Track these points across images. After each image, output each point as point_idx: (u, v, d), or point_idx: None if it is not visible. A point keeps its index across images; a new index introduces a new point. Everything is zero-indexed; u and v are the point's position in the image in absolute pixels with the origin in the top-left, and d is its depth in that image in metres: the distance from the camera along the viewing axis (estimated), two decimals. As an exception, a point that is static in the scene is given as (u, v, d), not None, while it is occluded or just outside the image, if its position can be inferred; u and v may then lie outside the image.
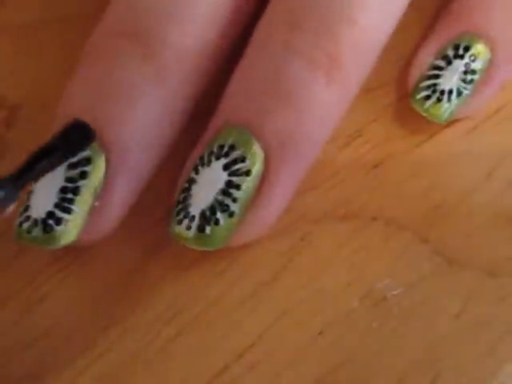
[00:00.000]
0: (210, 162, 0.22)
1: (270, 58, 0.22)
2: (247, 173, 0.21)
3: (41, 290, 0.23)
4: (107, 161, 0.22)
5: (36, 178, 0.20)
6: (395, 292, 0.22)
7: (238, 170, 0.21)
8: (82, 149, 0.21)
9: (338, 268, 0.23)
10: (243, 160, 0.21)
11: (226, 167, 0.21)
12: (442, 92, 0.24)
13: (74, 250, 0.23)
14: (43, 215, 0.21)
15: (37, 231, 0.21)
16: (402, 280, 0.22)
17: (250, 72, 0.22)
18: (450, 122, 0.25)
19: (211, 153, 0.22)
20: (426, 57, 0.24)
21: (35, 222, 0.21)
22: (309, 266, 0.23)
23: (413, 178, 0.24)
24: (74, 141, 0.21)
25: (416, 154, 0.24)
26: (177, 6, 0.23)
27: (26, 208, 0.22)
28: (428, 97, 0.24)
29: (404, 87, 0.25)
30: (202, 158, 0.22)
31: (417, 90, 0.24)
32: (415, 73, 0.25)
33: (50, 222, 0.21)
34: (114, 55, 0.22)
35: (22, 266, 0.23)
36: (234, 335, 0.22)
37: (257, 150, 0.21)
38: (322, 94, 0.22)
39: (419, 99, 0.24)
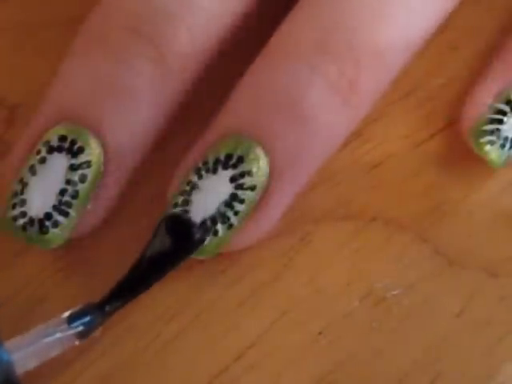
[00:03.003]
0: (215, 170, 0.22)
1: (292, 75, 0.22)
2: (252, 188, 0.21)
3: (41, 290, 0.23)
4: (105, 164, 0.22)
5: (126, 302, 0.21)
6: (395, 292, 0.22)
7: (244, 183, 0.21)
8: (192, 246, 0.21)
9: (338, 268, 0.23)
10: (250, 174, 0.21)
11: (232, 179, 0.21)
12: (506, 139, 0.23)
13: (75, 249, 0.23)
14: (41, 215, 0.21)
15: (32, 231, 0.22)
16: (402, 280, 0.22)
17: (266, 82, 0.22)
18: (450, 123, 0.25)
19: (217, 161, 0.22)
20: (486, 97, 0.24)
21: (31, 220, 0.21)
22: (309, 266, 0.23)
23: (413, 177, 0.24)
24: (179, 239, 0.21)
25: (416, 153, 0.24)
26: (186, 9, 0.22)
27: (22, 202, 0.22)
28: (492, 142, 0.23)
29: (403, 87, 0.25)
30: (206, 163, 0.22)
31: (479, 132, 0.23)
32: (474, 111, 0.24)
33: (47, 223, 0.21)
34: (123, 52, 0.22)
35: (22, 265, 0.23)
36: (234, 335, 0.22)
37: (264, 166, 0.21)
38: (335, 116, 0.22)
39: (482, 143, 0.23)
